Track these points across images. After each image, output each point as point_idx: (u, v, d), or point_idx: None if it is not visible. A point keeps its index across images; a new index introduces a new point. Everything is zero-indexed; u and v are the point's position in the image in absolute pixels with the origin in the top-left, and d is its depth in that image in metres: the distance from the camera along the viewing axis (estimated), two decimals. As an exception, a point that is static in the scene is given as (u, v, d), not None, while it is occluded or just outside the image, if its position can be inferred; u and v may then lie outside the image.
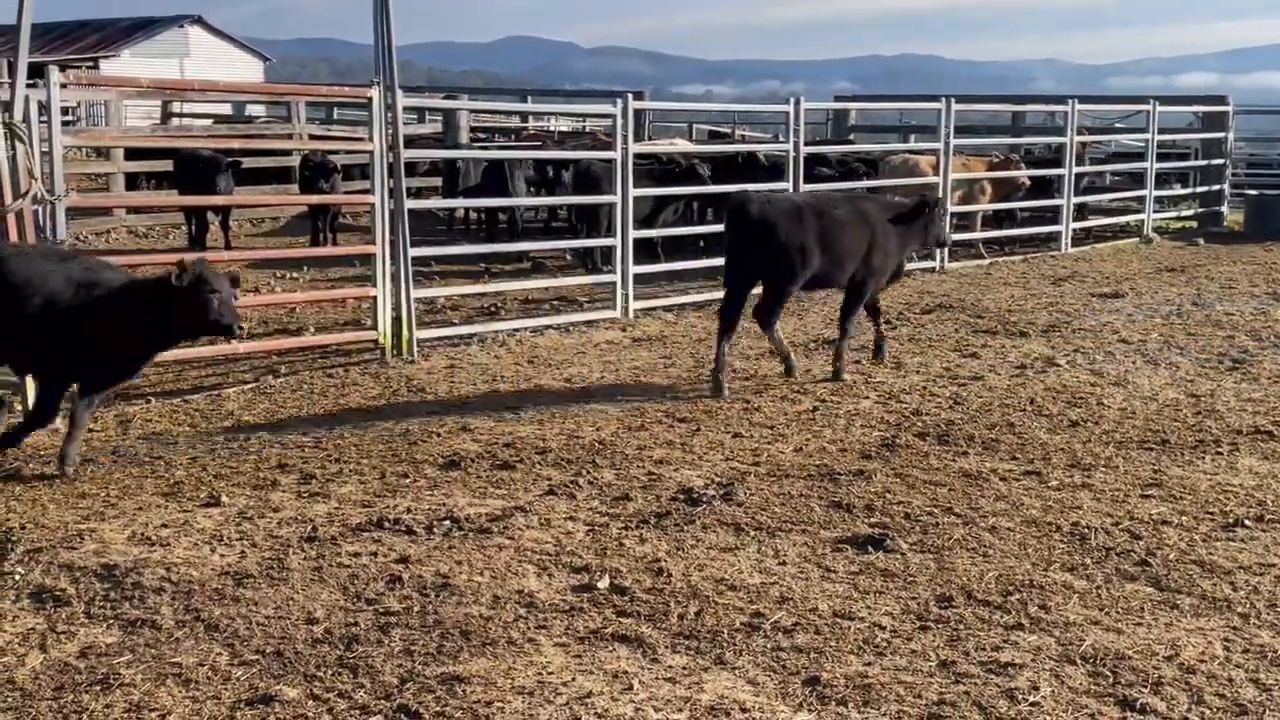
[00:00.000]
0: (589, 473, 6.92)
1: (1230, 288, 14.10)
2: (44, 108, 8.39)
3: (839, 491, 6.58)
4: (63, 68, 8.71)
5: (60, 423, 7.84)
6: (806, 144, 14.79)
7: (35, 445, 7.48)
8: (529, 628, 4.86)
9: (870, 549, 5.72)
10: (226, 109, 30.02)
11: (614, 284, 12.26)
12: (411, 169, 16.56)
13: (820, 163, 16.28)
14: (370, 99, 10.07)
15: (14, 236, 7.81)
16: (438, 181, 19.01)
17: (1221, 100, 22.27)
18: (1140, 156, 19.95)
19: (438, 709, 4.21)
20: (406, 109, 11.68)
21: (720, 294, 13.19)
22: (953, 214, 16.44)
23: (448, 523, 6.03)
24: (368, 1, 9.99)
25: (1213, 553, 5.70)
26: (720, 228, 16.48)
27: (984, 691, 4.35)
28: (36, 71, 8.79)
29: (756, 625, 4.88)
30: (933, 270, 15.48)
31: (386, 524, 6.02)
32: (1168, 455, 7.32)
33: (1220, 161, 21.55)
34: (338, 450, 7.40)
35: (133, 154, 19.15)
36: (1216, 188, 21.57)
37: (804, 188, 14.04)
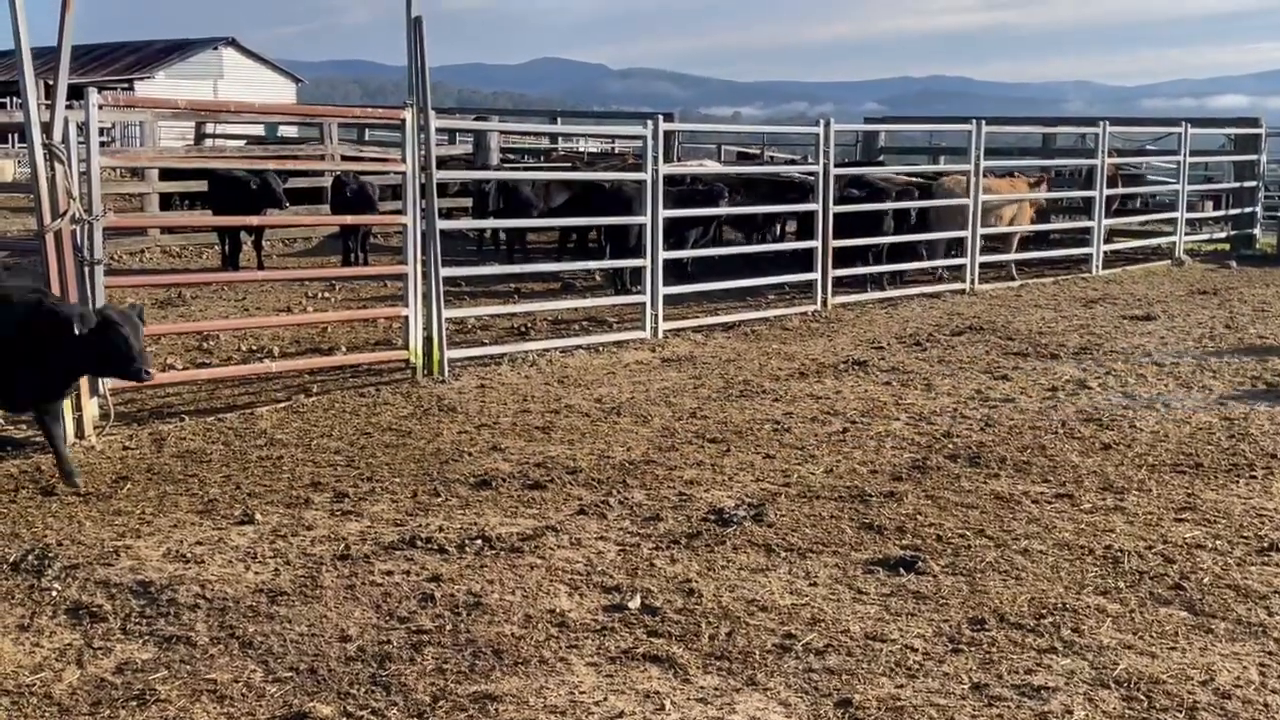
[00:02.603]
0: (620, 493, 6.94)
1: (1263, 310, 14.01)
2: (82, 129, 8.49)
3: (870, 513, 6.57)
4: (100, 89, 8.81)
5: (94, 442, 7.92)
6: (836, 165, 14.82)
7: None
8: (561, 647, 4.88)
9: (902, 571, 5.70)
10: (259, 130, 30.33)
11: (643, 304, 12.29)
12: (442, 189, 16.65)
13: (855, 184, 16.26)
14: (403, 120, 10.15)
15: (52, 256, 7.91)
16: (468, 202, 19.13)
17: (1254, 122, 22.17)
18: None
19: (470, 727, 4.23)
20: (438, 130, 11.78)
21: (749, 314, 13.28)
22: (991, 235, 16.49)
23: (479, 541, 6.05)
24: (400, 24, 10.08)
25: (1247, 577, 5.66)
26: (750, 249, 16.62)
27: (1017, 715, 4.33)
28: (75, 93, 8.91)
29: (788, 646, 4.88)
30: (963, 292, 15.45)
31: (419, 542, 6.05)
32: (1201, 479, 7.27)
33: (1253, 184, 21.44)
34: (370, 469, 7.44)
35: (167, 174, 19.38)
36: (1249, 210, 21.45)
37: (833, 209, 14.07)
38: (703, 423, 8.64)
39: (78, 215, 8.08)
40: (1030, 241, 18.37)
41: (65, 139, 8.02)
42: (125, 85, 46.58)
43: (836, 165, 15.01)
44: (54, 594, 5.40)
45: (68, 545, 6.02)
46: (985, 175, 16.27)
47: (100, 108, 8.65)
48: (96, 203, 8.36)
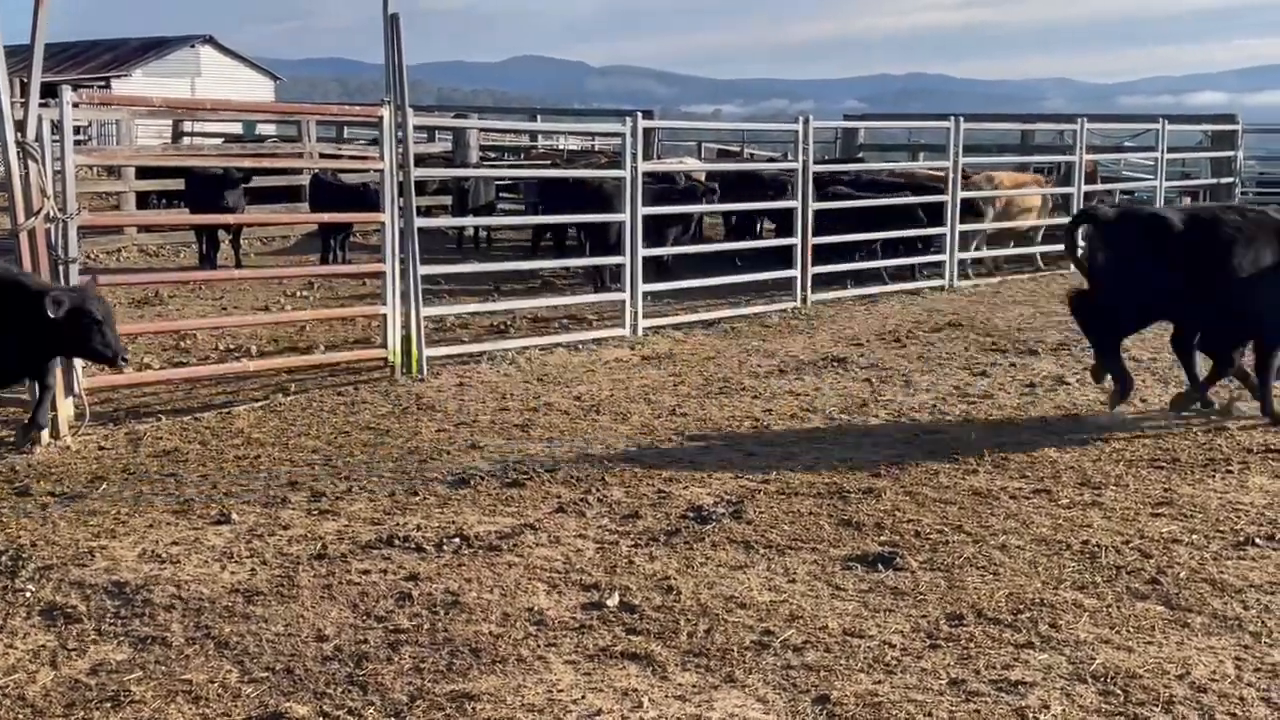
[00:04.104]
0: (598, 490, 6.93)
1: (1240, 306, 14.06)
2: (56, 127, 8.43)
3: (849, 509, 6.57)
4: (75, 87, 8.75)
5: (69, 442, 7.87)
6: (816, 162, 14.83)
7: (46, 463, 7.52)
8: (539, 645, 4.86)
9: (880, 567, 5.71)
10: (237, 128, 30.22)
11: (623, 302, 12.27)
12: (421, 187, 16.60)
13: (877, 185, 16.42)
14: (381, 118, 10.11)
15: (26, 255, 7.86)
16: (447, 200, 19.10)
17: (1231, 119, 22.28)
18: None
19: (447, 726, 4.21)
20: (416, 128, 11.74)
21: (729, 312, 13.29)
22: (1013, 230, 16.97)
23: (457, 540, 6.04)
24: (379, 21, 10.05)
25: (1224, 571, 5.68)
26: (730, 245, 16.64)
27: (995, 710, 4.34)
28: (49, 91, 8.85)
29: (766, 643, 4.88)
30: (942, 288, 15.48)
31: (396, 541, 6.03)
32: (1178, 474, 7.30)
33: (1229, 180, 21.54)
34: (348, 468, 7.41)
35: (144, 173, 19.29)
36: (1226, 206, 21.56)
37: (812, 206, 14.08)
38: (682, 420, 8.63)
39: (52, 214, 8.03)
40: (1009, 237, 18.45)
41: (39, 137, 7.97)
42: (102, 83, 46.30)
43: (821, 161, 15.01)
44: (28, 595, 5.36)
45: (42, 546, 5.98)
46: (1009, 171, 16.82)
47: (75, 105, 8.59)
48: (71, 201, 8.30)
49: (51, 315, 7.09)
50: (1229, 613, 5.20)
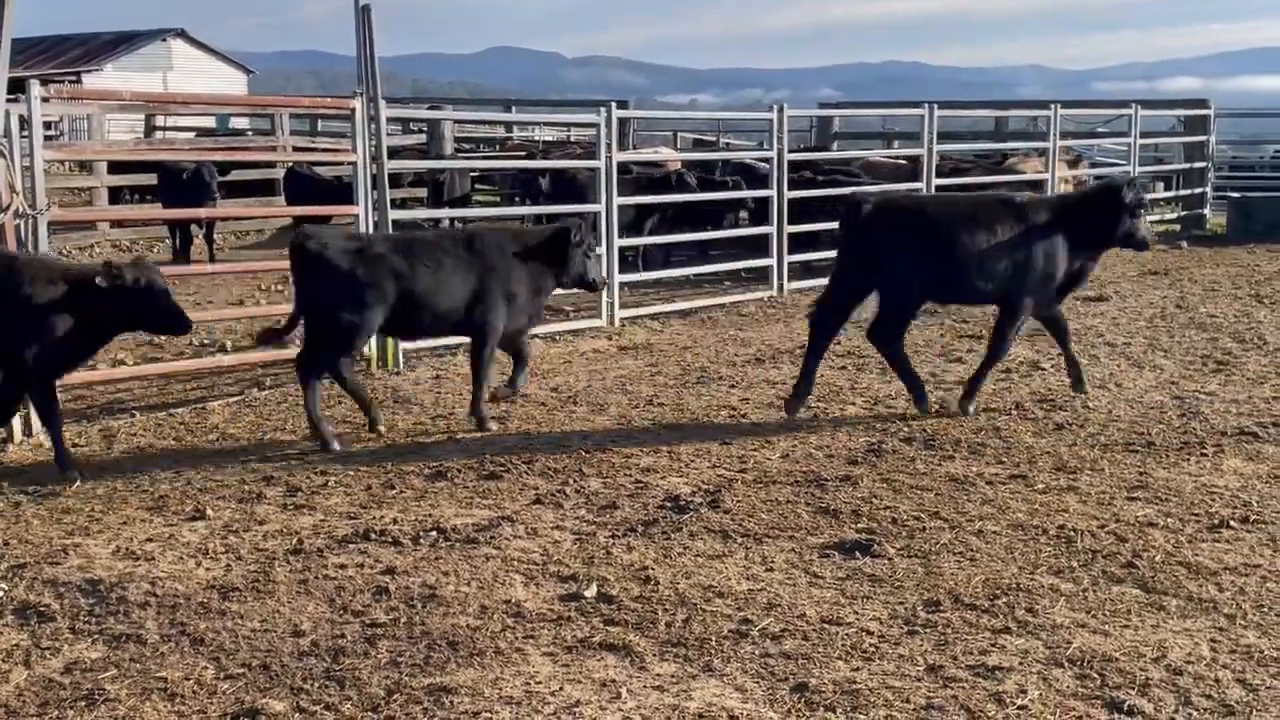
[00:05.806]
0: (576, 481, 6.91)
1: (1213, 290, 14.14)
2: (25, 122, 8.36)
3: (826, 497, 6.58)
4: (44, 82, 8.68)
5: (42, 439, 7.81)
6: (791, 150, 14.84)
7: (18, 461, 7.45)
8: (516, 637, 4.85)
9: (857, 554, 5.72)
10: (210, 122, 30.03)
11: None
12: (396, 180, 16.52)
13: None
14: (352, 110, 10.06)
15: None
16: (423, 192, 19.01)
17: (1203, 104, 22.38)
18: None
19: (425, 720, 4.19)
20: (390, 120, 11.68)
21: (706, 301, 13.28)
22: None
23: (434, 533, 6.02)
24: (352, 13, 9.99)
25: (1199, 554, 5.71)
26: (705, 235, 16.64)
27: (972, 695, 4.35)
28: (18, 86, 8.76)
29: (744, 632, 4.88)
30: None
31: (373, 535, 6.01)
32: (1153, 458, 7.33)
33: (1202, 165, 21.64)
34: (323, 462, 7.38)
35: (116, 168, 19.13)
36: (1199, 191, 21.65)
37: (788, 195, 14.09)
38: (659, 410, 8.63)
39: (21, 210, 7.96)
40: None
41: (7, 132, 7.90)
42: (72, 78, 45.93)
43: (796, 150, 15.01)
44: (0, 594, 5.32)
45: (15, 544, 5.93)
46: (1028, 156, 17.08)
47: (44, 100, 8.52)
48: (41, 197, 8.23)
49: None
50: (1204, 595, 5.23)
